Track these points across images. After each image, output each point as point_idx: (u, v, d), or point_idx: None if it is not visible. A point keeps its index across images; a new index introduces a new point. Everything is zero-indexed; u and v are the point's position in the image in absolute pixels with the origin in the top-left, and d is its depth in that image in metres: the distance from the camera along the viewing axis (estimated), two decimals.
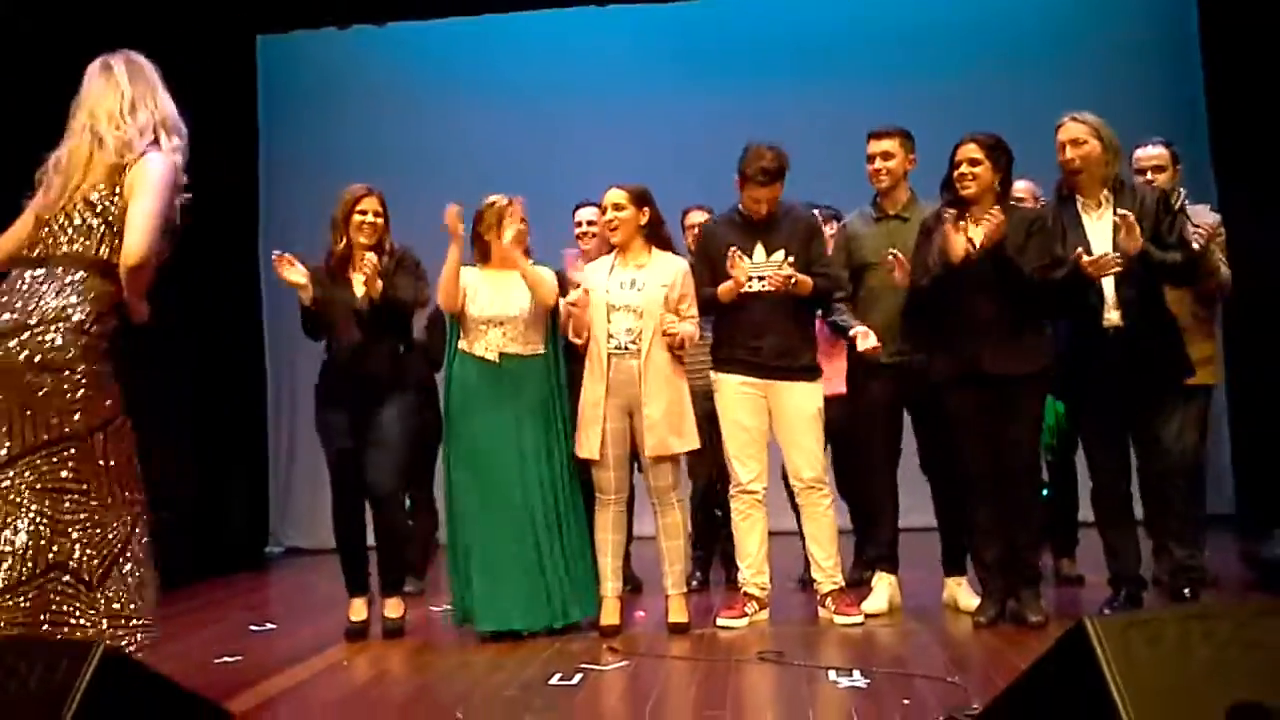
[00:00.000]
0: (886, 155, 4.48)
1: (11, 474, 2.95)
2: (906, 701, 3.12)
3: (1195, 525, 4.36)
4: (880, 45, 7.54)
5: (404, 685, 3.72)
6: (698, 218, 5.22)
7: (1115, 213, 3.93)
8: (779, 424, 4.41)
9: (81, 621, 2.96)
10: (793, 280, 4.26)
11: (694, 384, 4.48)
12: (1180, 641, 2.09)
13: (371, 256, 4.24)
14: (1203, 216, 4.53)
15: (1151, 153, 4.54)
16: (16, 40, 5.91)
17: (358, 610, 4.47)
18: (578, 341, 4.37)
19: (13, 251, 3.18)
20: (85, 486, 3.01)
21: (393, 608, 4.47)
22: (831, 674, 3.46)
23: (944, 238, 4.03)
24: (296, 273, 4.30)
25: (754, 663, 3.72)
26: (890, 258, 4.23)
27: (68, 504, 2.98)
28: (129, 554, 3.09)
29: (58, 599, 2.94)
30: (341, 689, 3.67)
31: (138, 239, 3.01)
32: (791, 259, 4.34)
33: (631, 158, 6.27)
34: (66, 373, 2.98)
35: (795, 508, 4.64)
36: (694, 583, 5.18)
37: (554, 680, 3.56)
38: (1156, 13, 7.55)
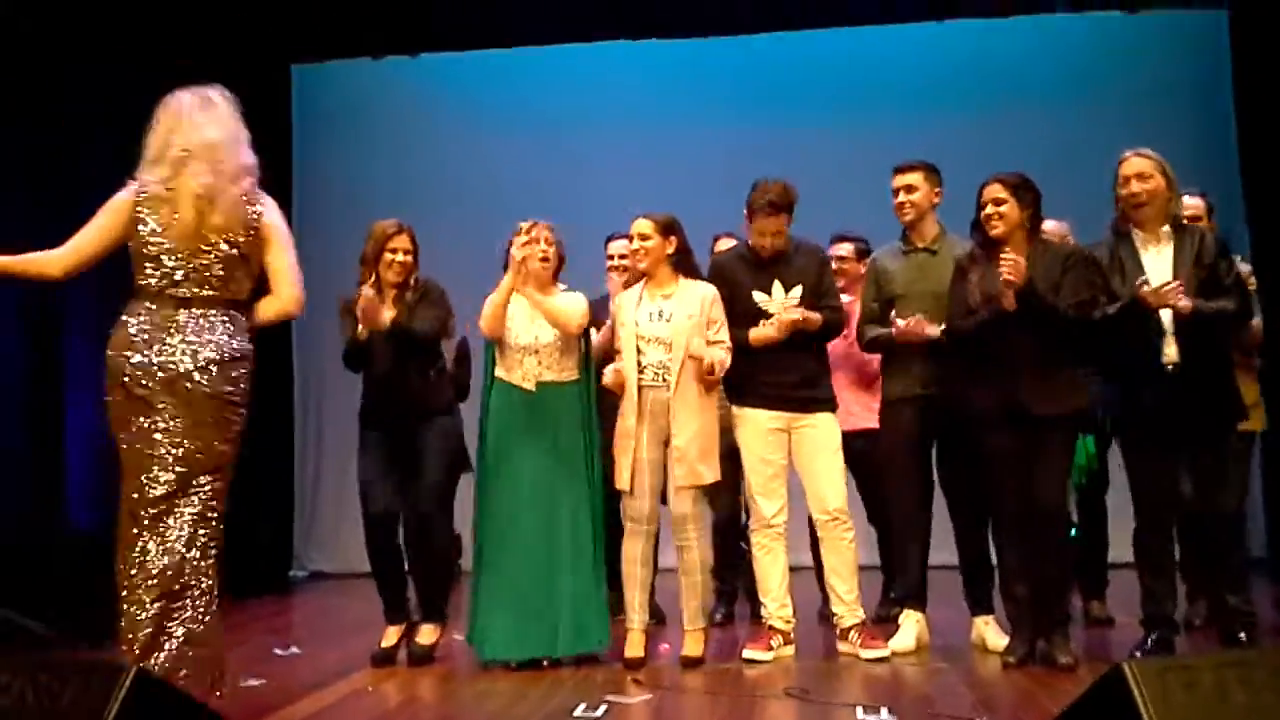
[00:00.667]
0: (910, 189, 4.49)
1: (184, 498, 3.23)
2: None
3: (1243, 570, 4.31)
4: (907, 81, 7.57)
5: (429, 713, 3.72)
6: (728, 244, 5.24)
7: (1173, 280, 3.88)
8: (800, 457, 4.41)
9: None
10: (801, 319, 4.28)
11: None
12: (1217, 687, 2.08)
13: (368, 291, 4.28)
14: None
15: (1188, 203, 4.51)
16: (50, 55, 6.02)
17: (390, 636, 4.47)
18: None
19: (96, 254, 3.32)
20: (220, 511, 3.32)
21: (427, 634, 4.46)
22: (860, 712, 3.43)
23: (989, 281, 4.01)
24: (383, 313, 4.32)
25: (780, 698, 3.69)
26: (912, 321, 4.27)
27: (212, 526, 3.28)
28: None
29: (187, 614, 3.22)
30: (366, 715, 3.66)
31: (298, 288, 3.41)
32: (801, 295, 4.37)
33: (661, 189, 6.28)
34: (241, 408, 3.35)
35: (815, 542, 4.63)
36: (719, 616, 5.17)
37: (578, 711, 3.54)
38: (1188, 53, 7.54)
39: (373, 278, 4.42)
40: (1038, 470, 4.02)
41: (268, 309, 3.42)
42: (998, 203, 4.06)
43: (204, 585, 3.23)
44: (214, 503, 3.28)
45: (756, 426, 4.40)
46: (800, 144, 7.28)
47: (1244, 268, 4.57)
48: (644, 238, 4.38)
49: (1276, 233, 6.69)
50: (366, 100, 8.13)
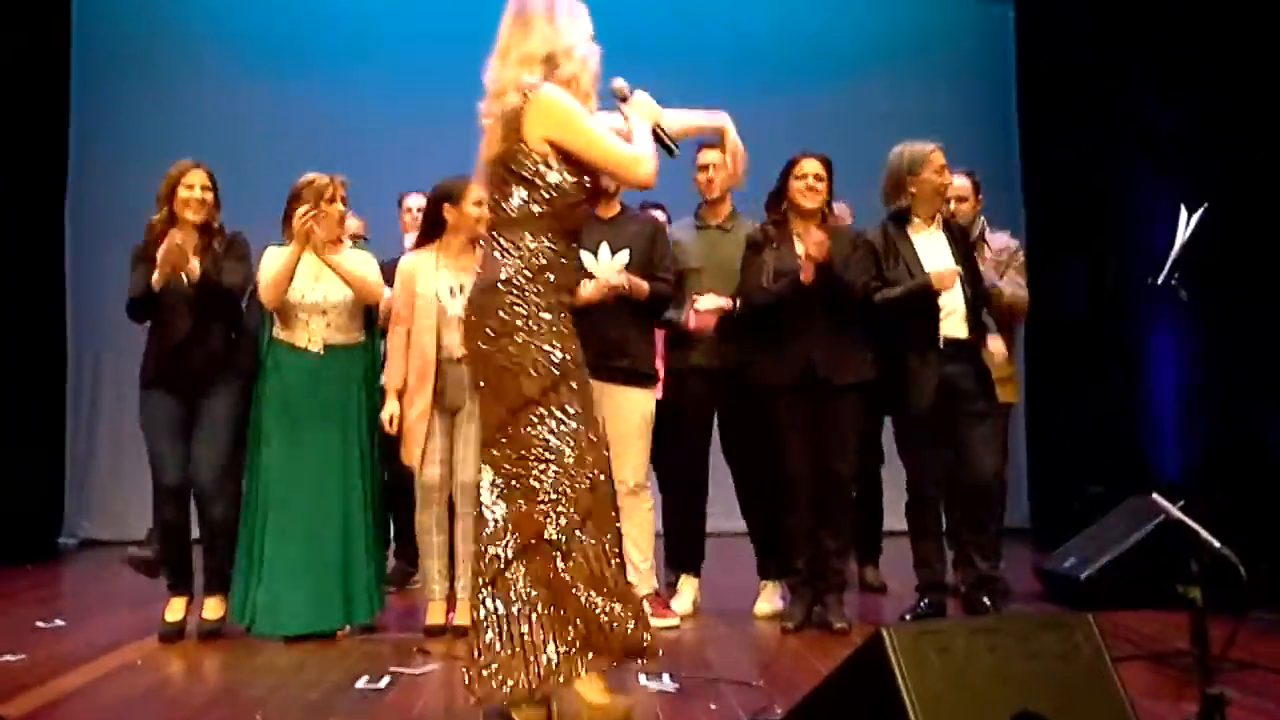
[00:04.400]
0: (716, 167, 4.56)
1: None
2: (713, 707, 3.18)
3: (996, 538, 4.59)
4: (715, 55, 7.59)
5: (203, 686, 3.58)
6: (415, 201, 5.16)
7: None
8: (609, 428, 4.41)
9: None
10: (625, 287, 4.28)
11: None
12: (968, 652, 2.21)
13: (177, 235, 4.00)
14: (1000, 241, 4.86)
15: (955, 183, 4.70)
16: None
17: (175, 609, 4.24)
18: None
19: None
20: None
21: (213, 608, 4.25)
22: (641, 677, 3.49)
23: (783, 257, 4.16)
24: (191, 261, 4.07)
25: None
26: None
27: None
28: None
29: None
30: (134, 690, 3.48)
31: (614, 155, 2.96)
32: (628, 260, 4.37)
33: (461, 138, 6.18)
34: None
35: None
36: None
37: (361, 683, 3.48)
38: (977, 40, 7.93)
39: (169, 219, 4.17)
40: (830, 439, 4.20)
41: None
42: (819, 178, 4.23)
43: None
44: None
45: None
46: None
47: (1012, 242, 4.95)
48: (479, 204, 4.16)
49: (1047, 214, 7.16)
50: (154, 32, 7.60)
